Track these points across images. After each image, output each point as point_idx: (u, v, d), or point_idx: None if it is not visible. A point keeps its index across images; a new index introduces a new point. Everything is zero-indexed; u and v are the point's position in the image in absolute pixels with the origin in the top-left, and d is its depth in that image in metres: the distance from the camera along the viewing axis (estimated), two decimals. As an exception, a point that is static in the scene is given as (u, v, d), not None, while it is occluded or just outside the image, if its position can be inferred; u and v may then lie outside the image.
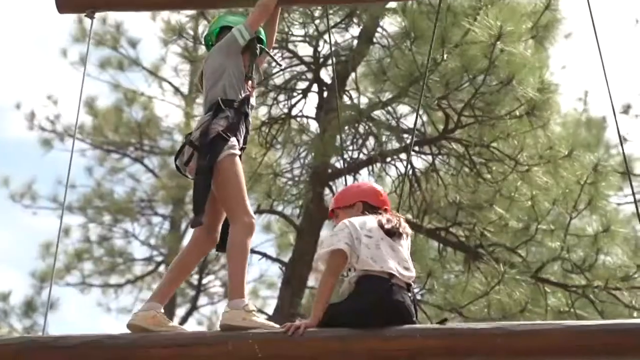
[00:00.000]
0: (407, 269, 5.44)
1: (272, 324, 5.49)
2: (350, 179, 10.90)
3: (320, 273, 5.74)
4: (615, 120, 6.09)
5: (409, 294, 5.41)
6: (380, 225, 5.50)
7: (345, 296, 5.45)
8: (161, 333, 5.51)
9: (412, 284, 5.48)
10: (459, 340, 5.26)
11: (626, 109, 16.18)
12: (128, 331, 5.61)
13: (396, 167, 11.27)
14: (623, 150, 6.83)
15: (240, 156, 5.72)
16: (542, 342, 5.21)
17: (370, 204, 5.68)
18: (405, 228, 5.59)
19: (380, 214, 5.63)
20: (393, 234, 5.49)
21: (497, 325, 5.37)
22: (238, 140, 5.72)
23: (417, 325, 5.35)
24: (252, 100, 5.93)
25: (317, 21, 11.04)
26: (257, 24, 6.00)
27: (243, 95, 5.81)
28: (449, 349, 5.26)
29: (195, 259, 5.92)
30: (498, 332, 5.25)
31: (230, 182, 5.59)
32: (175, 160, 5.97)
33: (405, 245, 5.56)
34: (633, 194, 6.23)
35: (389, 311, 5.30)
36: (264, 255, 12.37)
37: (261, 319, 5.50)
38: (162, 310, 5.66)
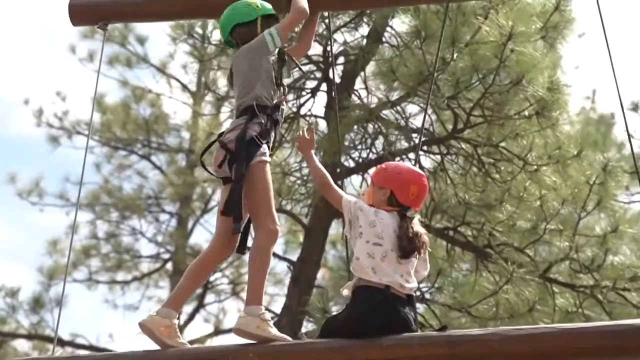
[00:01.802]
0: (408, 281, 5.36)
1: (284, 336, 5.50)
2: (359, 178, 10.90)
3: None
4: (624, 118, 6.09)
5: (408, 306, 5.35)
6: (399, 238, 5.36)
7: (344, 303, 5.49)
8: (161, 351, 5.56)
9: (414, 294, 5.43)
10: (457, 348, 5.27)
11: (635, 107, 16.19)
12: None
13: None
14: (632, 148, 6.83)
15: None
16: (539, 346, 5.23)
17: (397, 199, 5.51)
18: (425, 246, 5.46)
19: (404, 215, 5.47)
20: (408, 255, 5.39)
21: (494, 331, 5.38)
22: (268, 147, 5.74)
23: (416, 334, 5.35)
24: (284, 108, 5.94)
25: (326, 20, 11.03)
26: (291, 29, 5.99)
27: (275, 101, 5.81)
28: (448, 357, 5.27)
29: (214, 263, 5.94)
30: (495, 337, 5.27)
31: (260, 188, 5.60)
32: (201, 156, 6.02)
33: (414, 260, 5.45)
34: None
35: (384, 322, 5.27)
36: (273, 254, 12.37)
37: (274, 330, 5.50)
38: (177, 320, 5.68)
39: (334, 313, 5.57)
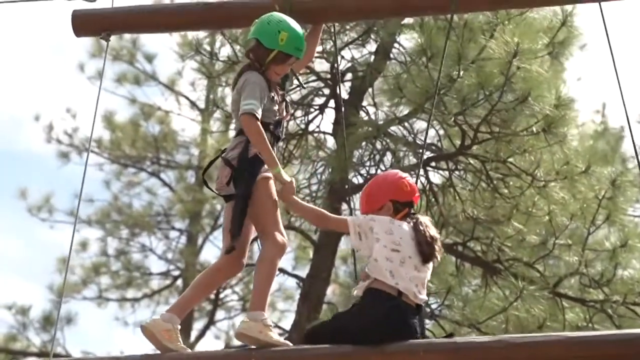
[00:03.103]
0: (421, 292, 5.39)
1: (287, 342, 5.53)
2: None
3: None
4: (631, 132, 6.09)
5: (417, 317, 5.36)
6: (419, 244, 5.36)
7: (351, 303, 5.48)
8: (160, 355, 5.58)
9: (423, 305, 5.44)
10: (461, 355, 5.28)
11: (642, 120, 16.14)
12: (140, 351, 5.68)
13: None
14: (639, 162, 6.81)
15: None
16: (544, 354, 5.24)
17: (400, 202, 5.54)
18: (441, 251, 5.48)
19: (413, 214, 5.51)
20: (429, 259, 5.40)
21: (498, 339, 5.38)
22: None
23: (420, 341, 5.35)
24: (285, 125, 5.96)
25: (333, 37, 11.06)
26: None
27: (277, 118, 5.82)
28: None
29: (221, 280, 5.99)
30: (499, 345, 5.28)
31: (265, 204, 5.63)
32: (203, 174, 6.05)
33: (430, 268, 5.49)
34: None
35: (392, 331, 5.27)
36: (281, 270, 12.40)
37: (277, 336, 5.54)
38: (180, 327, 5.70)
39: (342, 310, 5.53)
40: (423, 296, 5.41)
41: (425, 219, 5.51)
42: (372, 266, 5.39)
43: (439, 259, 5.47)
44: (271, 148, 5.66)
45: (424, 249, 5.37)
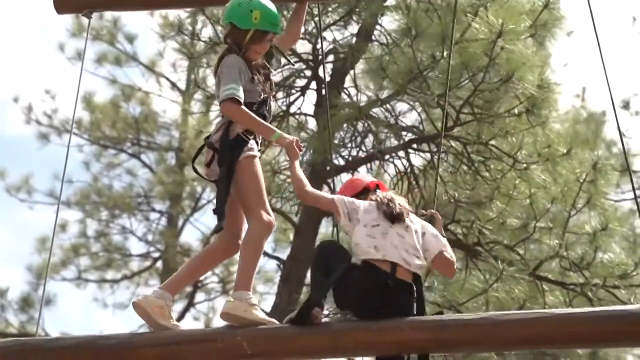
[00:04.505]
0: (417, 257, 5.43)
1: (272, 320, 5.54)
2: (349, 176, 10.86)
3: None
4: (616, 116, 6.09)
5: (410, 292, 5.37)
6: (378, 209, 5.49)
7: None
8: (150, 333, 5.60)
9: (421, 274, 5.46)
10: (447, 332, 5.28)
11: (625, 105, 16.22)
12: (119, 331, 5.64)
13: (395, 165, 11.27)
14: (623, 145, 6.82)
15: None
16: (530, 331, 5.25)
17: (358, 193, 5.72)
18: (406, 210, 5.54)
19: (369, 197, 5.65)
20: (395, 218, 5.47)
21: (484, 316, 5.39)
22: (257, 142, 5.73)
23: (406, 318, 5.35)
24: (272, 104, 5.90)
25: (316, 18, 11.01)
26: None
27: (261, 98, 5.78)
28: (438, 342, 5.29)
29: (216, 261, 5.97)
30: (485, 322, 5.28)
31: (250, 182, 5.61)
32: (193, 162, 6.01)
33: (413, 228, 5.50)
34: (634, 189, 6.19)
35: (382, 306, 5.32)
36: (263, 252, 12.35)
37: (262, 314, 5.54)
38: (172, 303, 5.70)
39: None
40: (419, 262, 5.42)
41: (382, 193, 5.66)
42: (356, 250, 5.45)
43: (410, 217, 5.52)
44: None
45: (385, 210, 5.49)
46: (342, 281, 5.39)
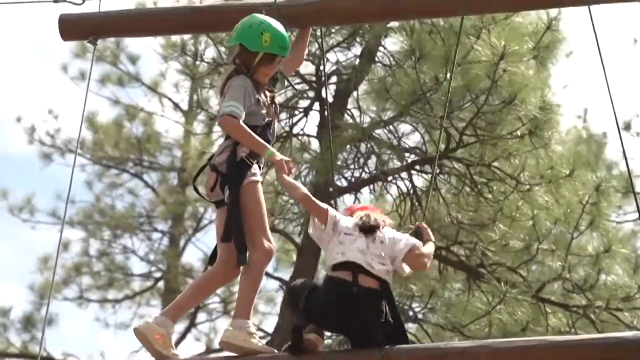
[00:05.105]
0: (382, 264, 5.45)
1: (270, 348, 5.54)
2: (351, 197, 10.88)
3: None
4: (620, 138, 6.07)
5: (375, 300, 5.38)
6: (356, 222, 5.58)
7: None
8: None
9: (389, 281, 5.46)
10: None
11: (627, 126, 16.24)
12: (120, 352, 5.65)
13: (397, 186, 11.28)
14: (628, 167, 6.80)
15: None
16: (529, 358, 5.23)
17: None
18: (376, 220, 5.59)
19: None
20: (367, 230, 5.54)
21: (483, 344, 5.38)
22: (259, 166, 5.73)
23: (404, 346, 5.34)
24: (276, 127, 5.92)
25: (319, 40, 11.05)
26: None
27: (265, 121, 5.78)
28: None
29: (217, 285, 5.94)
30: (484, 350, 5.27)
31: (252, 208, 5.60)
32: (194, 181, 6.01)
33: (381, 239, 5.54)
34: (639, 211, 6.16)
35: (345, 315, 5.34)
36: (265, 273, 12.34)
37: (261, 343, 5.54)
38: (173, 331, 5.68)
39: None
40: (384, 267, 5.44)
41: (361, 211, 5.74)
42: (327, 261, 5.56)
43: (384, 230, 5.57)
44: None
45: (358, 223, 5.56)
46: (309, 301, 5.41)
